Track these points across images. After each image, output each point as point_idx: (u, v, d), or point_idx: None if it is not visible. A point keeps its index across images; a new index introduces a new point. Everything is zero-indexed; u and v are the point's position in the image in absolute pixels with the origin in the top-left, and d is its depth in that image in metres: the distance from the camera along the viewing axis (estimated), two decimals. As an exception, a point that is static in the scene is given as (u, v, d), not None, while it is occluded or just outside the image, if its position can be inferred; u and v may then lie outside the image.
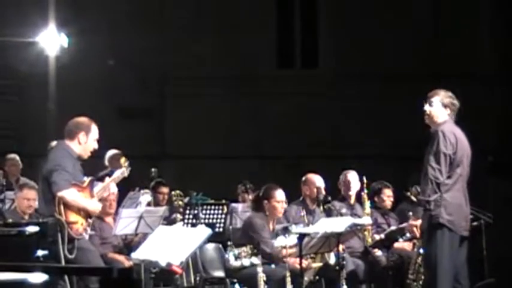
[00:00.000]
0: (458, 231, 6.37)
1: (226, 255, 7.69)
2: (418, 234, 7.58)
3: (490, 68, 14.34)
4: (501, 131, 13.79)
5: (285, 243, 7.57)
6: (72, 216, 6.42)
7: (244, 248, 7.76)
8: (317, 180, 8.66)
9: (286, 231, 7.54)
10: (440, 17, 14.77)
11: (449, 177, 6.37)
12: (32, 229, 5.02)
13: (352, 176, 8.77)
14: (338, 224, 7.43)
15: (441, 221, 6.33)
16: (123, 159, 7.19)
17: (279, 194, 7.93)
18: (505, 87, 14.17)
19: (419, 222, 7.17)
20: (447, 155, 6.34)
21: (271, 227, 7.96)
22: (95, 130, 6.79)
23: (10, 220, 5.96)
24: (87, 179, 6.72)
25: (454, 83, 13.02)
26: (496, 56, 14.36)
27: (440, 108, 6.58)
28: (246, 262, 7.64)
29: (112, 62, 13.84)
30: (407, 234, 8.31)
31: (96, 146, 6.80)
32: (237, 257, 7.63)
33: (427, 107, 6.63)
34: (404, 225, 8.22)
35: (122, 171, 7.04)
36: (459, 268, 6.44)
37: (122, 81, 14.29)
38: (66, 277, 6.07)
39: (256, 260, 7.59)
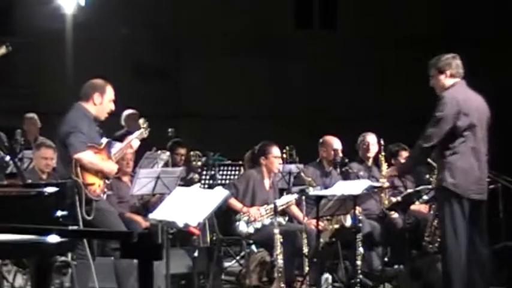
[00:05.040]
0: (465, 194, 6.28)
1: (237, 223, 7.71)
2: None
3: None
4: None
5: (286, 200, 7.66)
6: (90, 178, 6.43)
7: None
8: (334, 143, 8.65)
9: (303, 193, 7.57)
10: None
11: (454, 140, 6.29)
12: (51, 190, 5.02)
13: (371, 138, 8.75)
14: (355, 186, 7.43)
15: (444, 184, 6.30)
16: (141, 120, 7.16)
17: (275, 150, 7.99)
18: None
19: None
20: (443, 118, 6.25)
21: (267, 183, 7.99)
22: (110, 91, 6.74)
23: (29, 180, 5.97)
24: (104, 141, 6.71)
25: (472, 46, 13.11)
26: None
27: (438, 76, 6.46)
28: (257, 225, 7.69)
29: (124, 31, 13.78)
30: (424, 197, 8.30)
31: (112, 107, 6.77)
32: (248, 223, 7.67)
33: (430, 81, 6.55)
34: (421, 187, 8.20)
35: (141, 132, 7.02)
36: (475, 233, 6.36)
37: (138, 40, 14.25)
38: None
39: (266, 221, 7.64)
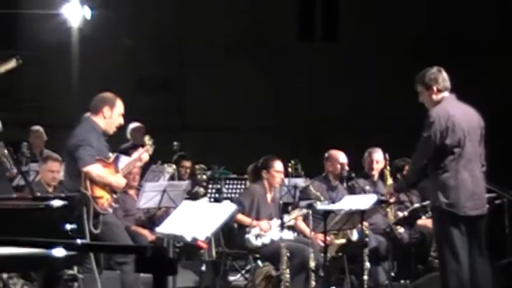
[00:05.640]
0: (460, 212, 6.15)
1: (246, 236, 7.72)
2: None
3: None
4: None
5: (292, 217, 7.68)
6: (98, 191, 6.43)
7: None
8: (340, 157, 8.64)
9: (310, 207, 7.57)
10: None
11: (444, 158, 6.17)
12: (60, 203, 5.03)
13: (377, 155, 8.74)
14: (363, 201, 7.43)
15: (438, 204, 6.20)
16: (147, 137, 7.12)
17: (278, 165, 8.04)
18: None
19: None
20: (430, 137, 6.14)
21: (269, 197, 8.01)
22: (119, 105, 6.74)
23: (38, 194, 5.97)
24: (112, 155, 6.71)
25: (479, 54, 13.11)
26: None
27: (425, 93, 6.34)
28: (266, 240, 7.69)
29: (128, 42, 13.82)
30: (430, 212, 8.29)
31: (121, 121, 6.78)
32: (257, 236, 7.68)
33: (419, 98, 6.44)
34: (427, 202, 8.19)
35: (146, 149, 7.00)
36: (475, 250, 6.25)
37: (143, 52, 14.28)
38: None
39: (275, 236, 7.65)
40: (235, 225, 7.87)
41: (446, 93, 6.34)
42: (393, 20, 14.73)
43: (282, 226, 7.39)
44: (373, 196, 7.67)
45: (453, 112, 6.23)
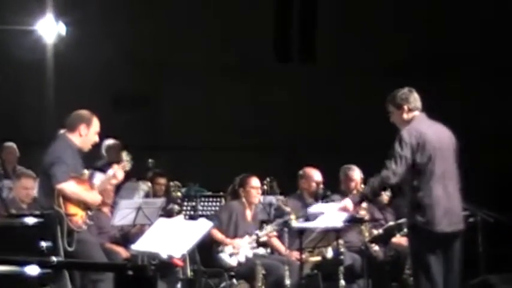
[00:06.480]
0: (437, 229, 6.16)
1: (219, 255, 7.71)
2: None
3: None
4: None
5: (268, 231, 7.70)
6: (72, 209, 6.42)
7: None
8: (315, 175, 8.69)
9: (286, 224, 7.59)
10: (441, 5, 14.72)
11: (416, 176, 6.19)
12: (35, 220, 5.01)
13: (353, 173, 8.77)
14: (337, 219, 7.43)
15: (413, 222, 6.23)
16: (124, 154, 7.12)
17: (254, 181, 8.15)
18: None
19: None
20: (403, 156, 6.14)
21: (249, 214, 8.02)
22: (95, 123, 6.78)
23: (13, 211, 5.95)
24: (87, 172, 6.70)
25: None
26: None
27: (396, 112, 6.40)
28: (241, 258, 7.69)
29: (105, 58, 13.78)
30: (405, 229, 8.32)
31: (97, 139, 6.82)
32: (231, 255, 7.68)
33: (390, 118, 6.51)
34: (402, 220, 8.23)
35: (123, 166, 6.99)
36: (449, 267, 6.27)
37: (119, 69, 14.24)
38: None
39: (250, 253, 7.65)
40: (213, 242, 7.85)
41: (417, 113, 6.40)
42: (373, 39, 14.79)
43: (258, 242, 7.40)
44: (341, 215, 7.51)
45: (424, 130, 6.29)
